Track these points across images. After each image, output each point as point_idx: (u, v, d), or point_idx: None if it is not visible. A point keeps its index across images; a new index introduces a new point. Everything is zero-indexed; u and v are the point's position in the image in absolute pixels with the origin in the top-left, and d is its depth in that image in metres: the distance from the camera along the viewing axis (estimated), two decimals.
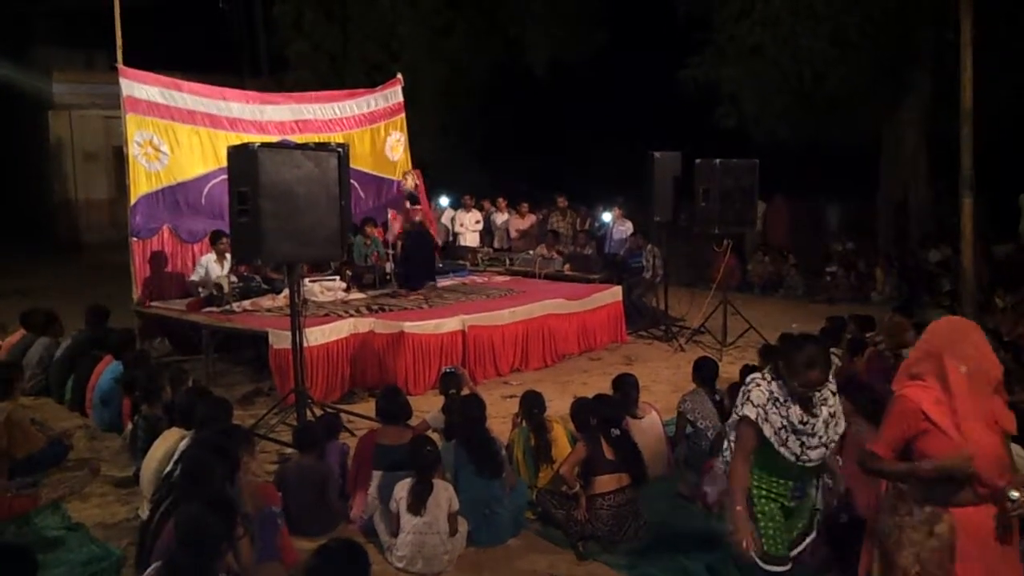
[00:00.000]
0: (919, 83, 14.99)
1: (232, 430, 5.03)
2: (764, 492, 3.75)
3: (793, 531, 3.83)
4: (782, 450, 3.63)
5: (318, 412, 6.88)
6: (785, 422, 3.63)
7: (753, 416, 3.65)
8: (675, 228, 11.30)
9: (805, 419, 3.63)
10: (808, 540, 3.90)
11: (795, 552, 3.84)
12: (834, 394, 3.73)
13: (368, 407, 7.45)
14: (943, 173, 15.93)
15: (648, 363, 9.54)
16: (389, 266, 10.77)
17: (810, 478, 3.80)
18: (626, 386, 6.07)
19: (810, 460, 3.67)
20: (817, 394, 3.65)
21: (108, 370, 7.33)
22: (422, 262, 10.50)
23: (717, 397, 6.25)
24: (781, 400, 3.65)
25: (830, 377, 3.70)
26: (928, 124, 15.08)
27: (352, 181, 8.87)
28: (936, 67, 14.26)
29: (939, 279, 12.38)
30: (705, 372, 6.38)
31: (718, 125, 15.88)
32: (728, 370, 8.43)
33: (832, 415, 3.69)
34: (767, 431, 3.64)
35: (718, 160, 9.84)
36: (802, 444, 3.65)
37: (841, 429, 3.75)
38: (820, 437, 3.67)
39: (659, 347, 10.40)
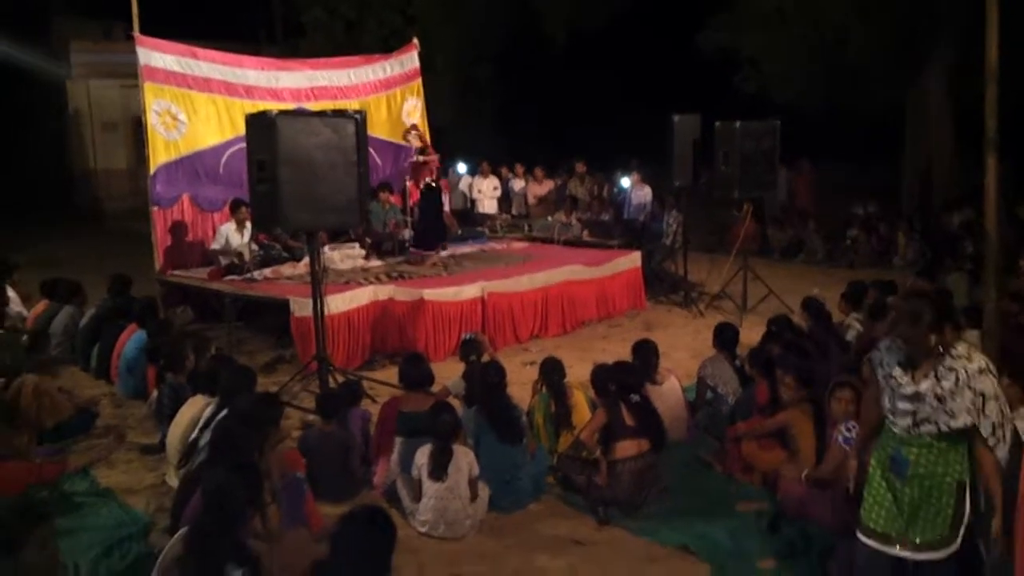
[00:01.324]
0: (943, 46, 14.72)
1: (264, 399, 5.09)
2: (875, 452, 3.64)
3: (904, 518, 3.52)
4: (883, 399, 3.57)
5: (340, 379, 6.94)
6: (887, 371, 3.56)
7: (875, 357, 3.63)
8: (695, 192, 11.21)
9: (902, 378, 3.49)
10: (943, 553, 3.48)
11: (917, 556, 3.49)
12: (974, 373, 3.39)
13: (389, 374, 7.51)
14: (966, 137, 15.73)
15: (668, 329, 9.53)
16: (408, 233, 10.77)
17: (917, 459, 3.48)
18: (646, 352, 6.07)
19: (896, 426, 3.52)
20: (942, 364, 3.40)
21: (132, 339, 7.41)
22: (433, 220, 10.55)
23: (737, 363, 6.24)
24: (892, 347, 3.58)
25: (965, 352, 3.41)
26: (952, 88, 14.83)
27: (368, 148, 8.86)
28: (960, 30, 13.98)
29: (962, 242, 12.23)
30: (725, 338, 6.37)
31: (739, 90, 15.71)
32: (748, 336, 8.37)
33: (950, 393, 3.38)
34: (879, 373, 3.60)
35: (738, 122, 9.72)
36: (893, 403, 3.52)
37: (961, 421, 3.39)
38: (916, 406, 3.43)
39: (679, 313, 10.38)
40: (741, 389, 6.01)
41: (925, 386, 3.45)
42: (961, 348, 3.47)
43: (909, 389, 3.47)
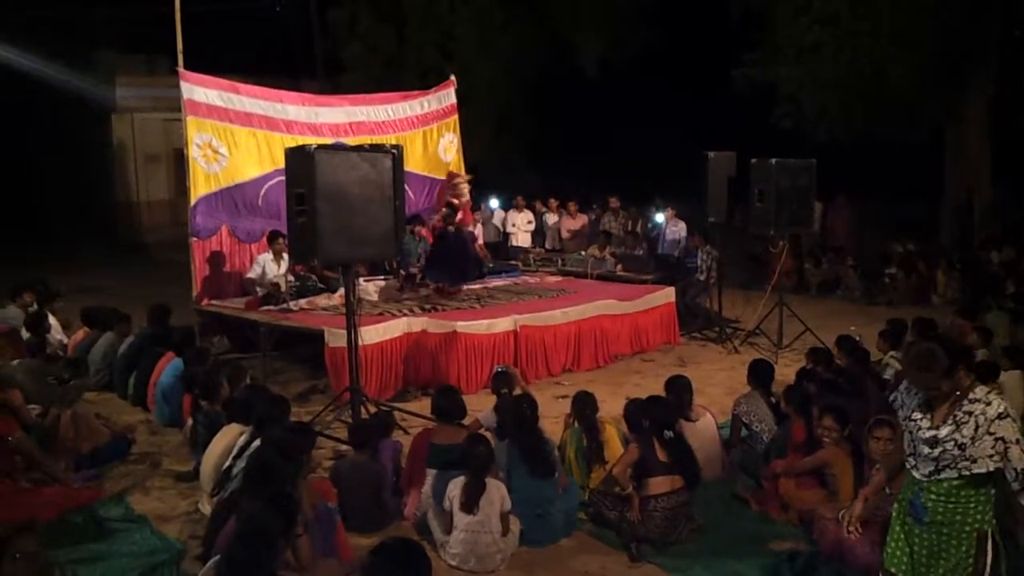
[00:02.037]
0: (983, 81, 14.61)
1: (298, 429, 5.12)
2: (899, 495, 3.60)
3: (924, 565, 3.46)
4: (904, 441, 3.53)
5: (372, 410, 6.96)
6: (907, 414, 3.53)
7: (896, 398, 3.59)
8: (730, 229, 11.17)
9: (922, 421, 3.45)
10: None
11: None
12: (993, 419, 3.32)
13: (421, 405, 7.52)
14: (1007, 173, 15.53)
15: (702, 365, 9.46)
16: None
17: (935, 506, 3.42)
18: (679, 388, 6.02)
19: (916, 470, 3.47)
20: (960, 409, 3.36)
21: (169, 367, 7.50)
22: (451, 262, 10.39)
23: (773, 400, 6.17)
24: (911, 389, 3.54)
25: (982, 396, 3.36)
26: (992, 123, 14.68)
27: (404, 183, 8.95)
28: (1001, 65, 13.88)
29: (1003, 281, 12.03)
30: (760, 374, 6.31)
31: (774, 125, 15.68)
32: (784, 373, 8.29)
33: (970, 439, 3.31)
34: (900, 415, 3.56)
35: (774, 160, 9.71)
36: (913, 446, 3.47)
37: (981, 467, 3.32)
38: (936, 450, 3.37)
39: (713, 349, 10.31)
40: (776, 427, 5.93)
41: (945, 432, 3.39)
42: (979, 392, 3.41)
43: (928, 433, 3.42)
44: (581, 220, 15.24)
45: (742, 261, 14.51)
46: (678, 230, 13.33)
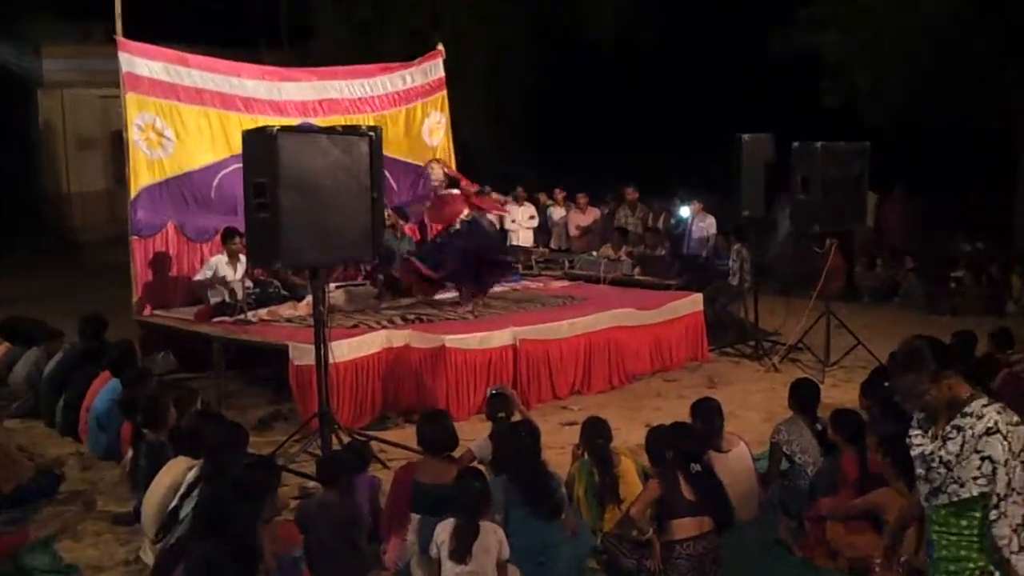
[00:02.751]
0: None
1: (258, 463, 5.12)
2: None
3: None
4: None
5: (345, 439, 6.96)
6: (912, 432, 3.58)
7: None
8: (767, 225, 11.18)
9: (916, 437, 3.50)
10: None
11: None
12: (980, 434, 3.34)
13: (403, 434, 7.53)
14: None
15: (735, 385, 9.47)
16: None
17: (939, 539, 3.47)
18: (708, 413, 6.02)
19: (921, 494, 3.52)
20: (951, 422, 3.40)
21: (105, 389, 7.48)
22: (463, 256, 9.86)
23: (818, 426, 6.17)
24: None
25: (976, 408, 3.38)
26: None
27: (383, 171, 8.96)
28: None
29: None
30: (804, 397, 6.31)
31: (820, 104, 15.70)
32: (831, 394, 8.30)
33: (956, 457, 3.36)
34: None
35: (820, 143, 9.72)
36: (922, 469, 3.49)
37: (968, 491, 3.35)
38: (926, 471, 3.43)
39: (748, 366, 10.32)
40: (823, 458, 5.93)
41: (930, 447, 3.42)
42: (975, 404, 3.41)
43: (917, 450, 3.46)
44: (592, 215, 15.27)
45: (782, 263, 14.51)
46: (706, 226, 13.34)
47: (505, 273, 10.59)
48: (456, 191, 10.06)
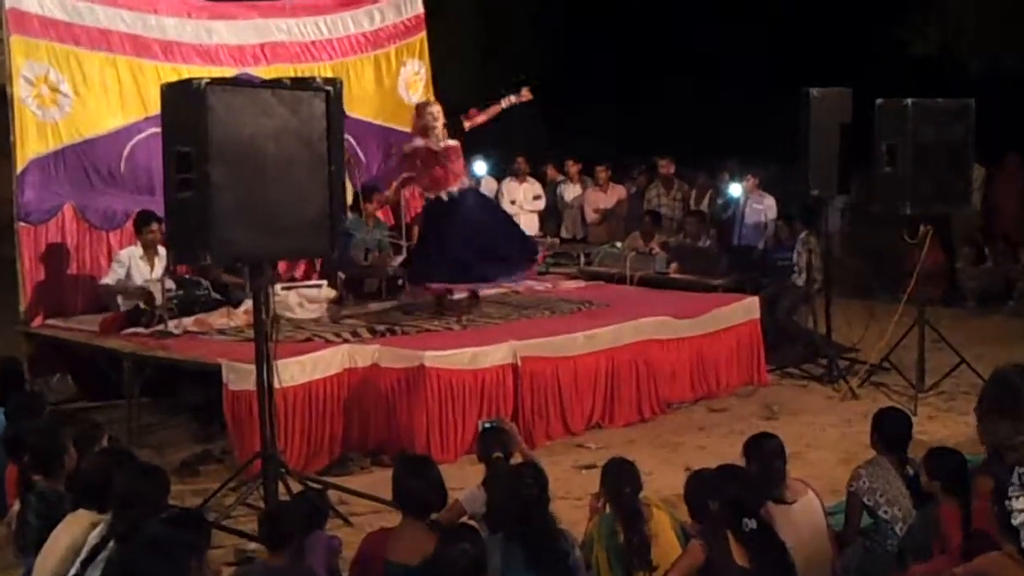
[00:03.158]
0: None
1: (182, 519, 5.09)
2: None
3: None
4: None
5: (296, 487, 6.93)
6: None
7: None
8: (844, 207, 11.16)
9: (1016, 500, 3.57)
10: None
11: None
12: None
13: (369, 480, 7.54)
14: None
15: (801, 417, 9.47)
16: (397, 264, 10.87)
17: None
18: (766, 453, 6.00)
19: None
20: None
21: None
22: (452, 246, 9.83)
23: (909, 471, 6.16)
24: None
25: None
26: None
27: (348, 136, 8.95)
28: None
29: None
30: (891, 432, 6.28)
31: (907, 49, 15.71)
32: (927, 428, 8.29)
33: None
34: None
35: (910, 100, 9.72)
36: None
37: None
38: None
39: (818, 391, 10.33)
40: (915, 512, 5.92)
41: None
42: None
43: (1019, 517, 3.60)
44: (616, 194, 15.25)
45: (862, 256, 14.51)
46: (763, 209, 13.35)
47: (517, 270, 10.44)
48: (455, 143, 9.99)
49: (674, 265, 12.31)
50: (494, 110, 10.14)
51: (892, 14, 15.73)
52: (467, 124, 10.03)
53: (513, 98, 10.21)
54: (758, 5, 19.74)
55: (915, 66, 15.33)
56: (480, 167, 16.04)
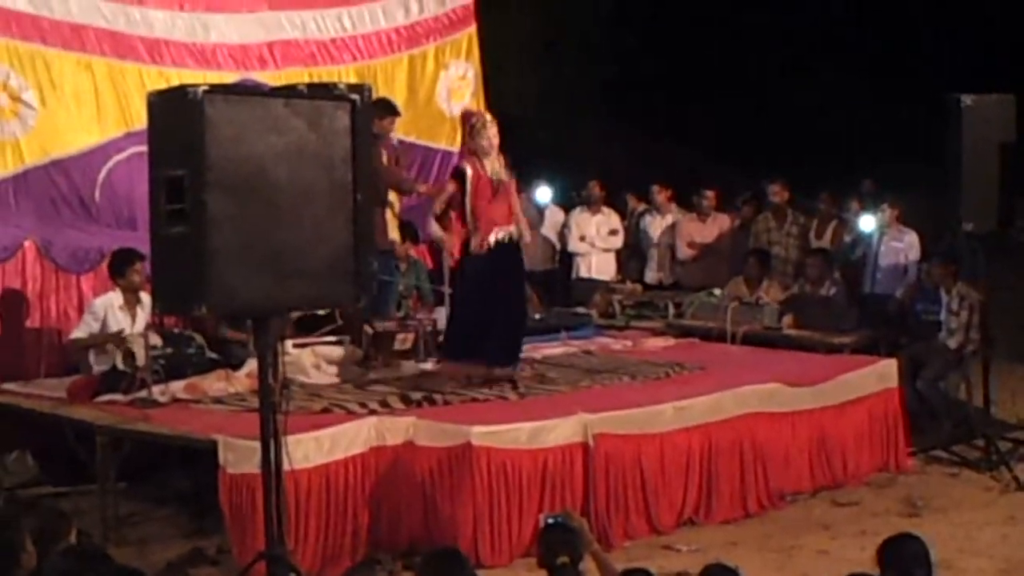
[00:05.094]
0: None
1: None
2: None
3: None
4: None
5: None
6: None
7: None
8: (1004, 245, 11.10)
9: None
10: None
11: None
12: None
13: None
14: None
15: (951, 514, 9.39)
16: (442, 318, 10.91)
17: None
18: (908, 560, 5.97)
19: None
20: None
21: None
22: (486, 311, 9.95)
23: None
24: None
25: None
26: None
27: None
28: None
29: None
30: None
31: None
32: None
33: None
34: None
35: None
36: None
37: None
38: None
39: (973, 481, 10.26)
40: None
41: None
42: None
43: None
44: (719, 224, 15.08)
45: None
46: (905, 247, 13.27)
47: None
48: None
49: (788, 318, 12.25)
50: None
51: None
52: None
53: None
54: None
55: None
56: (543, 194, 15.92)
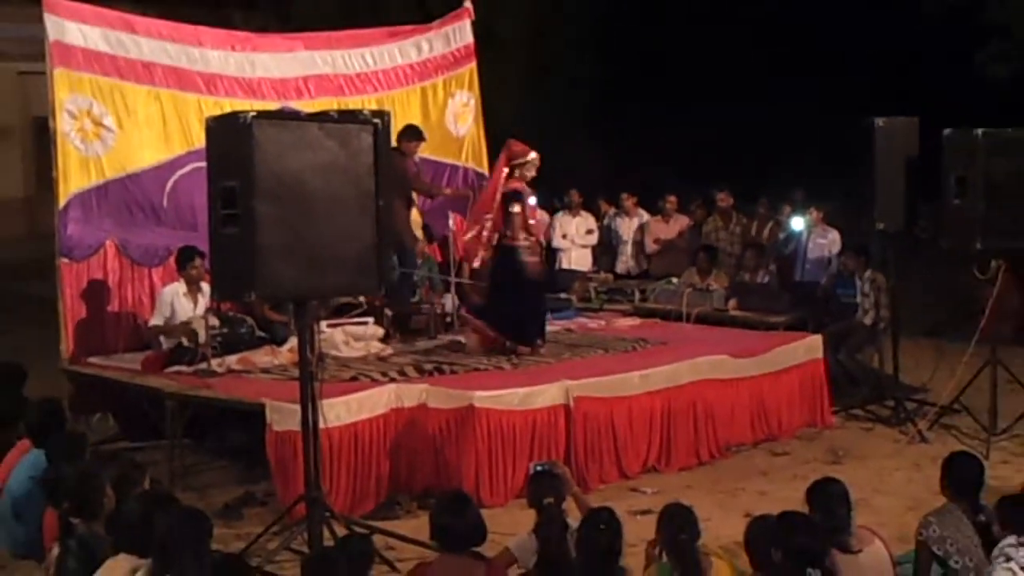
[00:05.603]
0: None
1: (225, 564, 5.12)
2: None
3: None
4: None
5: (341, 532, 6.96)
6: None
7: None
8: (911, 242, 11.08)
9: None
10: None
11: None
12: None
13: (416, 524, 7.50)
14: None
15: (867, 461, 9.41)
16: (448, 302, 10.92)
17: None
18: (831, 499, 5.95)
19: None
20: None
21: (22, 464, 7.51)
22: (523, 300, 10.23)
23: (982, 518, 6.09)
24: None
25: None
26: None
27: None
28: None
29: None
30: (962, 477, 6.22)
31: (980, 74, 15.59)
32: (1000, 473, 8.19)
33: None
34: None
35: (981, 131, 9.66)
36: None
37: None
38: None
39: (884, 435, 10.25)
40: (987, 559, 5.86)
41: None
42: None
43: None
44: (679, 224, 15.08)
45: (931, 294, 14.38)
46: (828, 243, 13.26)
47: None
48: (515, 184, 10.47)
49: (733, 302, 12.24)
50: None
51: (963, 39, 15.63)
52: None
53: None
54: (823, 30, 19.70)
55: (988, 93, 15.21)
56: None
